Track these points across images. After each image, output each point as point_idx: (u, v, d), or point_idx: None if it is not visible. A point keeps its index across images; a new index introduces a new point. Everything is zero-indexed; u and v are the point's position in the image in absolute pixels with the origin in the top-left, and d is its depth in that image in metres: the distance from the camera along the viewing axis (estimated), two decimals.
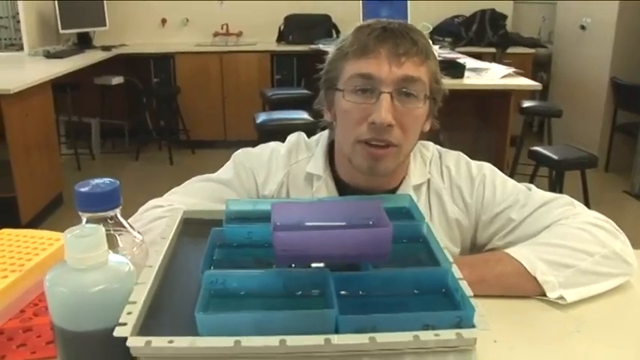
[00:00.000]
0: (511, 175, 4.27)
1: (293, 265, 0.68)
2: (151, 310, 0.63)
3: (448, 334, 0.57)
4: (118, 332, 0.57)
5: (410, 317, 0.58)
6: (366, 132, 1.08)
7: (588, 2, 5.21)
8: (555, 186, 3.79)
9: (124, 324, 0.58)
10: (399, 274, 0.67)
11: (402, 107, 1.07)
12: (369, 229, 0.69)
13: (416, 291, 0.66)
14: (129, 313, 0.59)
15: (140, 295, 0.63)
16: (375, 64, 1.06)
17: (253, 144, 1.32)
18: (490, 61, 4.62)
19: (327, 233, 0.67)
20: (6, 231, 0.96)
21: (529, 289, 1.02)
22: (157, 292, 0.67)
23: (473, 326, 0.59)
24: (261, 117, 4.02)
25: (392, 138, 1.07)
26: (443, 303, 0.65)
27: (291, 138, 1.29)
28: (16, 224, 3.46)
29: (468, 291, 0.63)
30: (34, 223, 3.72)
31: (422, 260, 0.74)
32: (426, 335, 0.57)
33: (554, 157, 3.66)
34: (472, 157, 1.28)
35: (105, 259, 0.63)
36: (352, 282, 0.65)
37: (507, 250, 1.06)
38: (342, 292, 0.63)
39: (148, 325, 0.60)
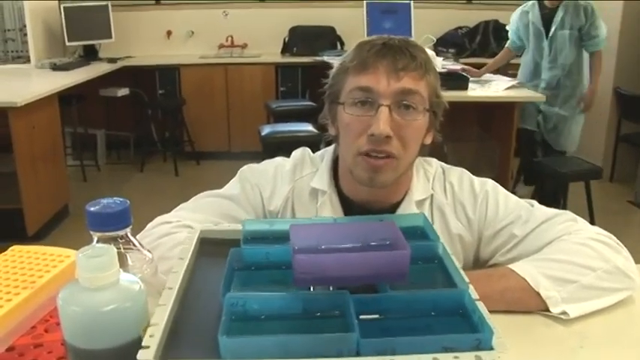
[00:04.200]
0: (515, 186, 4.29)
1: (312, 288, 0.69)
2: (172, 332, 0.64)
3: (467, 357, 0.58)
4: (142, 355, 0.57)
5: (430, 340, 0.59)
6: (365, 144, 1.09)
7: None
8: (559, 197, 3.79)
9: (147, 347, 0.58)
10: (417, 296, 0.67)
11: (401, 120, 1.09)
12: (388, 251, 0.69)
13: (433, 313, 0.66)
14: (151, 336, 0.60)
15: (161, 317, 0.63)
16: (373, 79, 1.08)
17: (258, 156, 1.34)
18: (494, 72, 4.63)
19: (347, 256, 0.68)
20: (17, 248, 0.97)
21: (532, 304, 1.03)
22: (177, 315, 0.68)
23: (492, 348, 0.59)
24: (266, 129, 4.04)
25: (391, 149, 1.08)
26: (461, 324, 0.65)
27: (296, 153, 1.31)
28: (23, 236, 3.49)
29: (486, 312, 0.63)
30: (41, 235, 3.73)
31: (438, 281, 0.74)
32: (446, 358, 0.57)
33: (558, 168, 3.67)
34: (476, 169, 1.29)
35: (116, 278, 0.64)
36: (371, 304, 0.66)
37: (510, 266, 1.07)
38: (362, 317, 0.64)
39: (169, 348, 0.61)
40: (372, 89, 1.08)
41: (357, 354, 0.58)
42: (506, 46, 4.33)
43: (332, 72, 1.19)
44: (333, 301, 0.66)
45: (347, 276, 0.66)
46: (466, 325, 0.65)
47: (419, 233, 0.87)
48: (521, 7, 4.14)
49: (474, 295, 0.67)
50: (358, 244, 0.72)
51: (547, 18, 3.93)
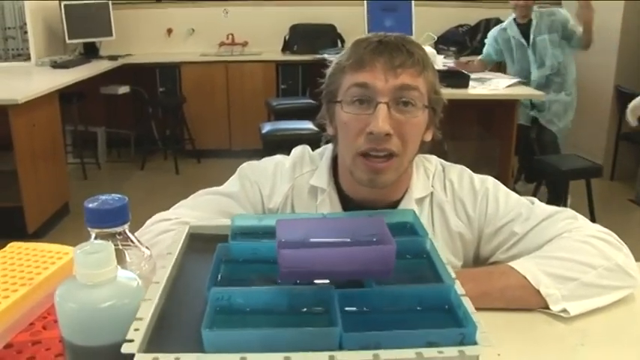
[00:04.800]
0: (515, 184, 4.30)
1: (297, 282, 0.69)
2: (157, 326, 0.64)
3: (451, 352, 0.58)
4: (126, 349, 0.57)
5: (413, 334, 0.59)
6: (364, 143, 1.08)
7: None
8: (560, 195, 3.79)
9: (131, 340, 0.58)
10: (402, 290, 0.67)
11: (400, 116, 1.08)
12: (374, 246, 0.69)
13: (419, 307, 0.66)
14: (136, 330, 0.60)
15: (147, 311, 0.63)
16: (370, 76, 1.08)
17: (258, 153, 1.33)
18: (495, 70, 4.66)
19: (332, 251, 0.68)
20: (15, 244, 0.97)
21: (533, 302, 1.03)
22: (164, 309, 0.68)
23: (475, 343, 0.59)
24: (267, 127, 4.04)
25: (391, 146, 1.08)
26: (446, 319, 0.65)
27: (296, 151, 1.30)
28: (23, 234, 3.49)
29: (471, 307, 0.63)
30: (41, 233, 3.73)
31: (425, 276, 0.74)
32: (430, 352, 0.57)
33: (559, 166, 3.67)
34: (476, 166, 1.29)
35: (114, 275, 0.64)
36: (356, 299, 0.66)
37: (511, 264, 1.07)
38: (347, 309, 0.64)
39: (154, 342, 0.61)
40: (370, 86, 1.07)
41: (341, 348, 0.58)
42: (480, 58, 4.66)
43: (328, 71, 1.18)
44: (317, 295, 0.66)
45: (332, 271, 0.66)
46: (451, 320, 0.65)
47: (408, 229, 0.87)
48: (499, 26, 4.50)
49: (460, 290, 0.67)
50: (345, 239, 0.72)
51: (524, 30, 4.24)
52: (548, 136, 4.22)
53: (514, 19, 4.29)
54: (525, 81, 4.19)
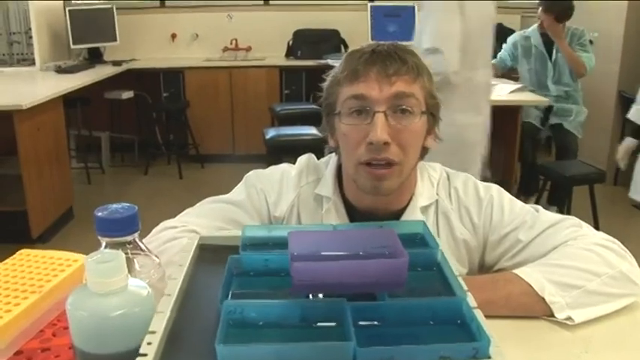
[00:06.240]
0: (519, 190, 4.28)
1: (310, 295, 0.69)
2: (170, 339, 0.64)
3: None
4: None
5: (427, 349, 0.59)
6: (365, 153, 1.10)
7: (595, 16, 5.22)
8: (563, 201, 3.79)
9: (145, 355, 0.58)
10: (414, 304, 0.67)
11: (398, 124, 1.09)
12: (386, 259, 0.69)
13: (431, 321, 0.66)
14: (149, 344, 0.60)
15: (159, 324, 0.64)
16: (365, 87, 1.09)
17: (262, 159, 1.34)
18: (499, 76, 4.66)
19: (345, 264, 0.68)
20: (25, 251, 0.98)
21: (537, 309, 1.03)
22: (176, 321, 0.68)
23: (488, 357, 0.59)
24: (271, 132, 4.05)
25: (391, 155, 1.09)
26: (458, 333, 0.65)
27: (302, 160, 1.31)
28: (27, 238, 3.50)
29: (484, 321, 0.63)
30: (45, 238, 3.74)
31: (437, 288, 0.74)
32: None
33: (562, 172, 3.67)
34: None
35: (125, 283, 0.65)
36: (369, 312, 0.66)
37: (516, 271, 1.07)
38: (359, 323, 0.64)
39: (167, 356, 0.61)
40: (366, 96, 1.09)
41: None
42: (493, 62, 4.49)
43: (325, 85, 1.19)
44: (330, 308, 0.66)
45: (344, 284, 0.66)
46: (464, 334, 0.65)
47: (419, 240, 0.87)
48: (521, 32, 4.49)
49: (472, 303, 0.67)
50: (356, 251, 0.72)
51: (547, 41, 4.23)
52: (573, 140, 4.23)
53: (538, 29, 4.26)
54: (535, 90, 4.23)
